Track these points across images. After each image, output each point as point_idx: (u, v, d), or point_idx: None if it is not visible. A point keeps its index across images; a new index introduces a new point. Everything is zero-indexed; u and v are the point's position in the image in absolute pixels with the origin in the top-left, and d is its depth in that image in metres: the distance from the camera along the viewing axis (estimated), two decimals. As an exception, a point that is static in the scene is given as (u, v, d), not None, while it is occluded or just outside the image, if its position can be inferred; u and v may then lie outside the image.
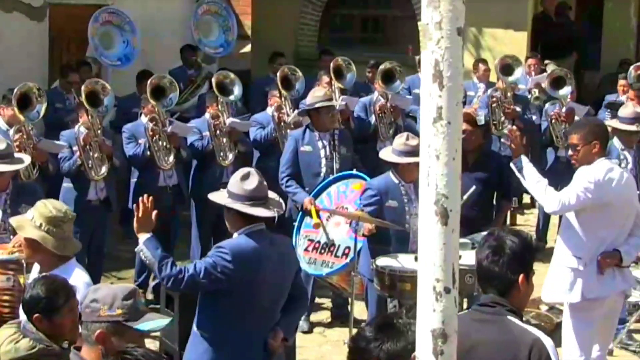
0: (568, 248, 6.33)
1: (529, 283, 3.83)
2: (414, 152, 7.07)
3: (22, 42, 11.95)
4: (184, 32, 13.38)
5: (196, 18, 13.11)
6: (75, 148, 8.51)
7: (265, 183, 5.33)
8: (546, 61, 13.18)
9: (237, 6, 16.92)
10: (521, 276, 3.78)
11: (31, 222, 5.11)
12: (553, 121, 10.36)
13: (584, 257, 6.26)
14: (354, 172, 8.13)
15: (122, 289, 3.68)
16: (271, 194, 5.40)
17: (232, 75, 9.63)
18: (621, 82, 11.35)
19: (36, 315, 4.37)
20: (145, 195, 5.37)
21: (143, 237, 5.23)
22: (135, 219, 5.25)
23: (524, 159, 6.41)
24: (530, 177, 6.35)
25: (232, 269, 5.10)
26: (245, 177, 5.28)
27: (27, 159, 7.51)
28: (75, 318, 4.05)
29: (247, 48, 16.08)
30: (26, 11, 12.11)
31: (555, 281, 6.40)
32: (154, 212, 5.31)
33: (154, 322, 3.67)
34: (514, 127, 6.84)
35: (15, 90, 8.33)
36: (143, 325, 3.63)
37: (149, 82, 9.11)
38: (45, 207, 5.17)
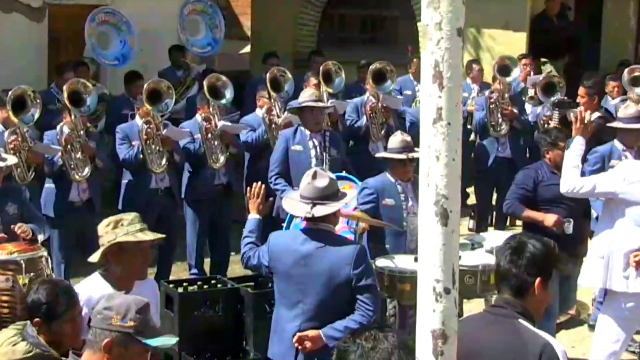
0: (598, 236, 6.59)
1: (546, 290, 3.81)
2: (402, 148, 7.15)
3: (21, 43, 11.95)
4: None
5: (182, 18, 13.04)
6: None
7: (321, 184, 5.50)
8: (542, 59, 13.20)
9: (236, 7, 16.92)
10: (538, 279, 3.75)
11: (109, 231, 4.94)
12: (545, 125, 10.44)
13: (608, 247, 6.42)
14: (344, 173, 8.13)
15: (136, 301, 3.66)
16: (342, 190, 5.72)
17: (224, 78, 9.55)
18: (612, 83, 11.36)
19: (36, 319, 4.36)
20: (259, 183, 6.05)
21: (250, 216, 6.00)
22: (247, 200, 6.01)
23: (577, 140, 6.75)
24: (568, 157, 6.68)
25: (268, 256, 5.62)
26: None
27: (11, 159, 7.50)
28: (77, 326, 4.04)
29: (247, 48, 16.07)
30: (25, 12, 12.10)
31: (588, 267, 6.69)
32: (270, 199, 6.14)
33: (162, 340, 3.66)
34: (582, 110, 7.20)
35: (9, 93, 8.29)
36: (151, 340, 3.61)
37: (145, 85, 9.05)
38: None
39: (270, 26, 15.11)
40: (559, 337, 8.16)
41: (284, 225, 7.95)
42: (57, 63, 11.42)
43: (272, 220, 8.70)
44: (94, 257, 4.86)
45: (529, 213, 7.49)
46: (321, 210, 5.44)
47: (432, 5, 2.70)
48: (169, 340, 3.71)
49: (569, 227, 7.27)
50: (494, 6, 13.42)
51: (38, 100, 8.37)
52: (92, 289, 4.78)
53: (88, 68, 11.29)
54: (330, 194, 5.48)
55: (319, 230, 5.50)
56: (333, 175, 5.73)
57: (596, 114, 9.02)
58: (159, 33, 13.11)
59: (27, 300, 4.52)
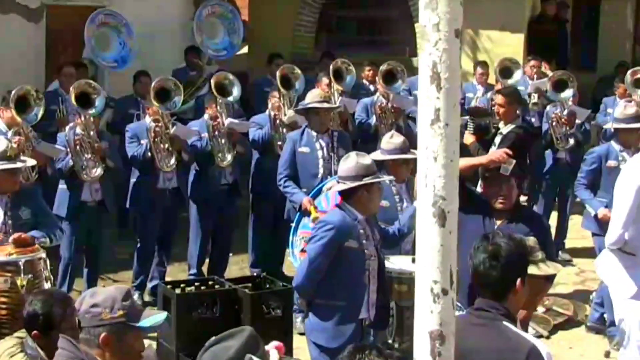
0: None
1: (525, 286, 3.84)
2: (398, 149, 7.14)
3: (19, 44, 11.93)
4: (181, 34, 13.35)
5: (200, 19, 13.03)
6: (68, 149, 8.45)
7: (344, 164, 5.93)
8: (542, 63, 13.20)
9: (234, 8, 16.90)
10: (518, 280, 3.80)
11: None
12: (554, 124, 10.32)
13: None
14: None
15: (119, 291, 3.72)
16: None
17: (231, 77, 9.60)
18: (622, 85, 11.33)
19: (34, 332, 4.36)
20: None
21: None
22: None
23: None
24: None
25: None
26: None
27: (30, 160, 7.49)
28: (77, 333, 4.05)
29: (244, 50, 16.07)
30: (23, 13, 12.09)
31: None
32: None
33: (153, 318, 3.73)
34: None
35: (13, 92, 8.30)
36: (143, 322, 3.68)
37: (153, 84, 9.06)
38: None
39: (268, 28, 15.11)
40: (557, 337, 8.18)
41: (293, 225, 8.00)
42: (55, 64, 11.41)
43: (283, 222, 8.75)
44: None
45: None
46: (336, 187, 5.99)
47: (430, 6, 2.70)
48: (160, 317, 3.77)
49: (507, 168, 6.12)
50: (492, 7, 13.44)
51: (41, 100, 8.37)
52: None
53: (87, 69, 11.29)
54: (350, 176, 5.81)
55: (341, 207, 5.92)
56: (367, 160, 5.90)
57: (514, 124, 8.84)
58: (158, 34, 13.09)
59: (23, 313, 4.51)
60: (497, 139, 8.78)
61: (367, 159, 5.96)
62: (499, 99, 8.95)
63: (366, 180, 5.82)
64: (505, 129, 8.76)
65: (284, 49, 14.16)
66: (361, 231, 5.84)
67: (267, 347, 3.03)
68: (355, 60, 12.11)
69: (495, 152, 6.25)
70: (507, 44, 13.55)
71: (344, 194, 5.93)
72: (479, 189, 6.37)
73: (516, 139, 8.55)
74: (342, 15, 15.68)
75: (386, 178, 6.12)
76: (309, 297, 5.97)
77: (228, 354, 2.91)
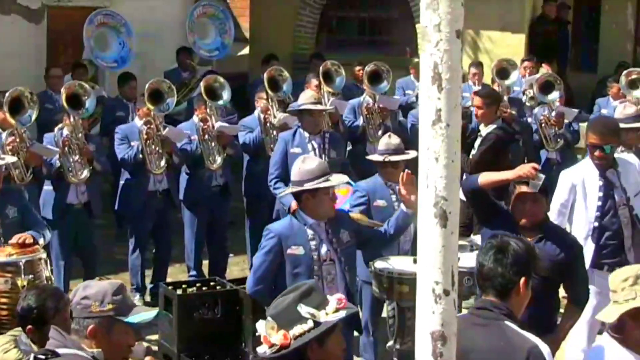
0: None
1: (528, 290, 3.84)
2: (384, 151, 7.14)
3: (20, 45, 11.95)
4: (181, 34, 13.37)
5: (191, 20, 13.03)
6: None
7: (293, 168, 5.84)
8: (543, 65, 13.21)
9: (235, 9, 16.94)
10: (522, 279, 3.80)
11: None
12: (543, 125, 10.38)
13: None
14: None
15: (111, 285, 3.81)
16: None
17: (221, 80, 9.55)
18: (615, 85, 11.34)
19: (28, 327, 4.38)
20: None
21: None
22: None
23: None
24: None
25: None
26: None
27: (9, 158, 7.47)
28: (69, 328, 4.08)
29: (245, 50, 16.09)
30: (24, 13, 12.12)
31: None
32: None
33: (142, 315, 3.81)
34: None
35: (6, 94, 8.29)
36: (132, 318, 3.77)
37: (147, 85, 9.06)
38: None
39: (269, 28, 15.12)
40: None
41: None
42: (56, 65, 11.41)
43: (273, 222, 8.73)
44: (609, 318, 4.06)
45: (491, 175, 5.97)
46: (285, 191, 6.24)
47: (431, 7, 2.71)
48: (148, 315, 3.86)
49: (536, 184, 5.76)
50: (492, 8, 13.45)
51: (35, 101, 8.36)
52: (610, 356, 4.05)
53: (86, 70, 11.29)
54: (294, 181, 5.72)
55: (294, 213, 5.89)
56: (310, 165, 5.72)
57: (494, 125, 8.81)
58: (158, 34, 13.10)
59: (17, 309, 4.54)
60: (477, 141, 8.70)
61: (311, 164, 5.78)
62: (477, 100, 8.78)
63: (307, 186, 5.67)
64: (484, 130, 8.67)
65: (284, 49, 14.17)
66: (310, 236, 5.74)
67: (329, 297, 3.56)
68: (356, 62, 12.14)
69: (523, 167, 5.84)
70: (508, 45, 13.56)
71: (294, 198, 5.93)
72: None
73: (496, 139, 8.51)
74: (342, 15, 15.69)
75: (334, 182, 5.80)
76: (266, 304, 5.85)
77: (284, 303, 3.53)
